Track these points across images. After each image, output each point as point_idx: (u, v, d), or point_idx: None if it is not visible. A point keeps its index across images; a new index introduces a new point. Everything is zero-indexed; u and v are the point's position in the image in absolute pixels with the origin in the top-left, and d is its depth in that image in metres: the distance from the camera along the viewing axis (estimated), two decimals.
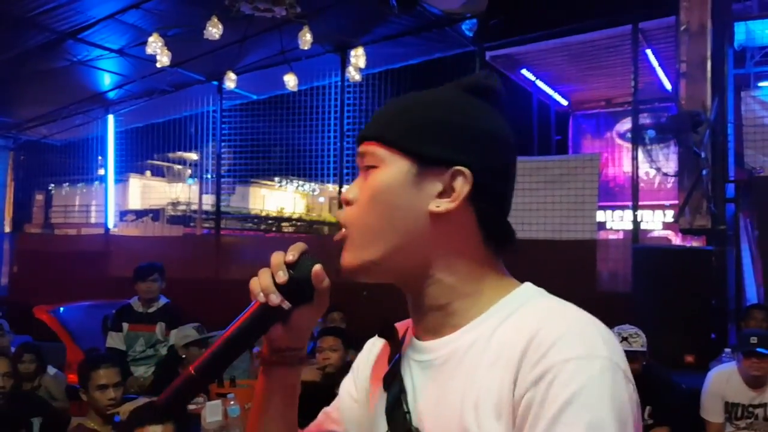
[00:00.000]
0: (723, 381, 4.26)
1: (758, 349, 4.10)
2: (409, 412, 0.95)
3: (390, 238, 0.94)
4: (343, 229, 0.98)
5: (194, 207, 14.94)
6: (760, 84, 7.66)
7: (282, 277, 0.95)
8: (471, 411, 0.87)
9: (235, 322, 0.97)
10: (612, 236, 11.13)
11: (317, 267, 0.97)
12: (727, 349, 5.27)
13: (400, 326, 1.08)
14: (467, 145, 0.94)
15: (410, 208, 0.94)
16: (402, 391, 0.98)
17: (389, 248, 0.95)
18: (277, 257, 0.98)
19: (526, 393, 0.82)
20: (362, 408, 1.09)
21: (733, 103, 6.84)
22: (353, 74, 8.27)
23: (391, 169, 0.94)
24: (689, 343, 5.73)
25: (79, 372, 3.58)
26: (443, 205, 0.93)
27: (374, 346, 1.15)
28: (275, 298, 0.95)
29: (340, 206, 1.02)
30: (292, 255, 0.97)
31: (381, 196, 0.94)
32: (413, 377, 0.98)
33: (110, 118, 10.68)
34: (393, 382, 1.00)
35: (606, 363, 0.81)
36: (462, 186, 0.93)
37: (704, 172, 5.85)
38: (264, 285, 0.96)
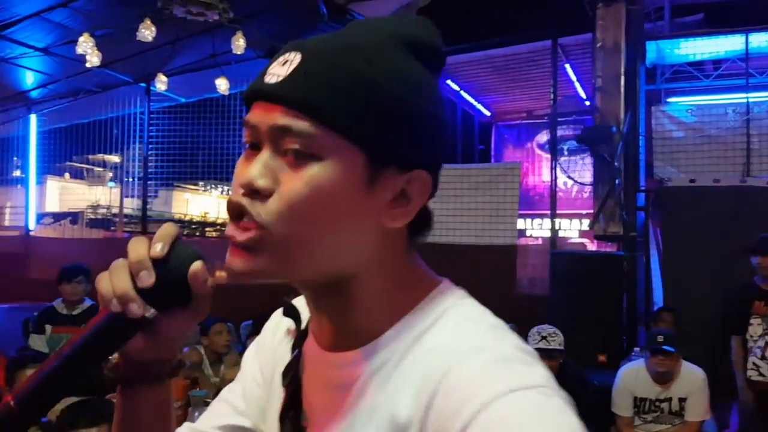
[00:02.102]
0: (632, 377, 4.44)
1: (664, 347, 4.33)
2: (295, 426, 0.80)
3: (327, 254, 0.71)
4: (252, 230, 0.69)
5: (115, 210, 14.62)
6: (670, 99, 8.03)
7: (146, 279, 0.70)
8: None
9: (81, 335, 0.70)
10: (532, 243, 11.49)
11: (197, 266, 0.72)
12: (636, 349, 5.56)
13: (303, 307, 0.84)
14: (429, 139, 0.73)
15: (359, 219, 0.71)
16: (297, 397, 0.80)
17: (322, 266, 0.71)
18: (138, 248, 0.71)
19: None
20: (264, 393, 0.90)
21: (645, 117, 7.23)
22: None
23: (338, 166, 0.68)
24: (602, 343, 5.99)
25: (6, 371, 3.55)
26: (399, 219, 0.72)
27: (279, 325, 0.92)
28: (136, 309, 0.70)
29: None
30: (160, 246, 0.71)
31: (324, 201, 0.68)
32: (312, 385, 0.80)
33: (32, 117, 10.37)
34: (290, 382, 0.82)
35: (541, 393, 0.63)
36: (420, 194, 0.72)
37: (617, 181, 6.17)
38: (120, 289, 0.70)
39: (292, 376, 0.81)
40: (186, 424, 0.93)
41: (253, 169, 0.69)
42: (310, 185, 0.67)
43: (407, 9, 7.84)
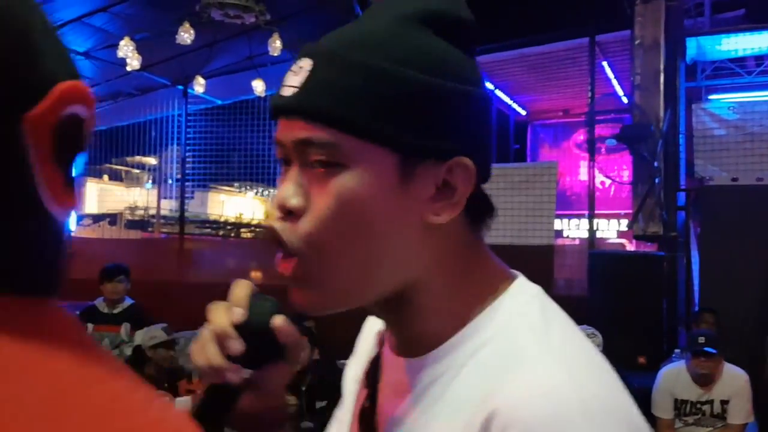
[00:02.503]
0: (672, 379, 4.39)
1: (705, 348, 4.25)
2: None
3: (371, 268, 0.68)
4: (292, 262, 0.68)
5: (152, 212, 14.83)
6: (711, 97, 7.90)
7: (235, 348, 0.70)
8: None
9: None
10: (569, 243, 11.37)
11: (280, 323, 0.72)
12: (677, 350, 5.48)
13: None
14: (463, 121, 0.68)
15: (400, 223, 0.67)
16: (373, 400, 0.79)
17: (370, 282, 0.69)
18: (219, 318, 0.71)
19: None
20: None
21: (685, 114, 7.11)
22: None
23: (367, 171, 0.65)
24: (641, 344, 5.91)
25: None
26: (444, 213, 0.67)
27: (372, 328, 0.89)
28: (235, 377, 0.71)
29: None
30: (241, 312, 0.71)
31: (357, 212, 0.65)
32: (383, 388, 0.78)
33: None
34: (370, 383, 0.81)
35: None
36: (464, 182, 0.67)
37: (657, 180, 6.07)
38: (214, 362, 0.70)
39: (372, 377, 0.80)
40: None
41: (285, 189, 0.67)
42: (338, 198, 0.65)
43: None
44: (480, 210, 0.72)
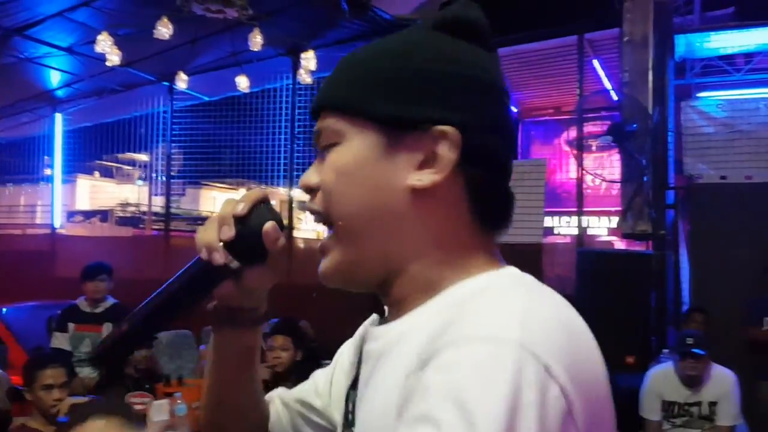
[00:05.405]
0: (660, 380, 4.36)
1: (693, 350, 4.22)
2: (351, 405, 0.83)
3: (370, 225, 0.75)
4: (325, 229, 0.80)
5: (144, 209, 14.74)
6: (700, 94, 7.88)
7: (227, 233, 0.79)
8: (381, 416, 0.71)
9: (177, 276, 0.82)
10: (560, 241, 11.35)
11: (268, 225, 0.79)
12: (665, 350, 5.44)
13: None
14: (448, 97, 0.74)
15: (385, 186, 0.74)
16: (354, 380, 0.84)
17: (373, 238, 0.75)
18: (225, 207, 0.81)
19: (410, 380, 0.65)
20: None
21: (674, 112, 7.07)
22: (304, 77, 8.29)
23: (354, 143, 0.75)
24: (629, 344, 5.87)
25: (24, 371, 3.52)
26: (426, 177, 0.73)
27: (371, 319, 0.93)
28: (219, 257, 0.79)
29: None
30: (241, 206, 0.79)
31: (347, 177, 0.75)
32: (365, 366, 0.82)
33: (58, 116, 10.45)
34: (357, 361, 0.86)
35: (509, 349, 0.58)
36: (448, 151, 0.72)
37: (645, 178, 6.03)
38: (207, 240, 0.79)
39: (356, 364, 0.86)
40: (279, 389, 1.05)
41: (307, 173, 0.80)
42: (334, 168, 0.76)
43: (429, 4, 7.75)
44: (487, 198, 0.76)
